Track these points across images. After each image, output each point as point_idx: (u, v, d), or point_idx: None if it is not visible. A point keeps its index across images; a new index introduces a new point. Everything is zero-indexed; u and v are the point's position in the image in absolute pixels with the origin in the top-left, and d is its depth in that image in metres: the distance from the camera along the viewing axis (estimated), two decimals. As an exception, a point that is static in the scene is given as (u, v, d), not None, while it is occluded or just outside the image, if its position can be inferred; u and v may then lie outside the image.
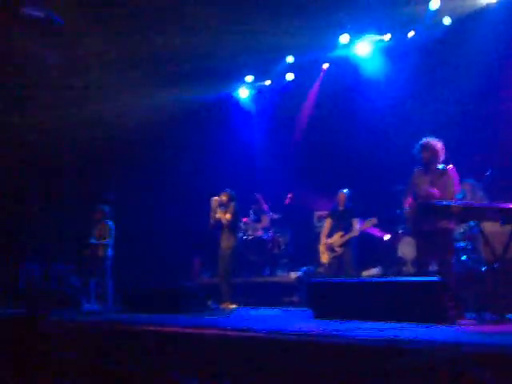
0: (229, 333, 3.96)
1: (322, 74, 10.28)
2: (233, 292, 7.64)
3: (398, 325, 4.40)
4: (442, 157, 5.66)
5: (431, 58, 8.61)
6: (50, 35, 8.63)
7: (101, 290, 8.46)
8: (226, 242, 7.73)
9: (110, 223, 8.65)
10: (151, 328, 4.39)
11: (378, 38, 9.29)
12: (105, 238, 8.52)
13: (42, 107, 9.54)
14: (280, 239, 9.73)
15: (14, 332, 1.83)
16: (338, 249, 7.71)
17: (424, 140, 5.72)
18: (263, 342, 3.60)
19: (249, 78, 10.90)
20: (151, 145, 10.79)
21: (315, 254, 8.27)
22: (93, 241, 8.50)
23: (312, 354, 3.30)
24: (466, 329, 4.34)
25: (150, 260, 9.88)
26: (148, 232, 10.31)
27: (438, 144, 5.68)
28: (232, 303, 7.53)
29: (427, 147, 5.65)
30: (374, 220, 7.56)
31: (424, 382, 0.85)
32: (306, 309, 6.66)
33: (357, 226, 7.61)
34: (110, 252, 8.53)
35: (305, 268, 8.87)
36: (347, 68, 9.78)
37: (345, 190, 7.88)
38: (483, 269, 6.21)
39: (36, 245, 9.81)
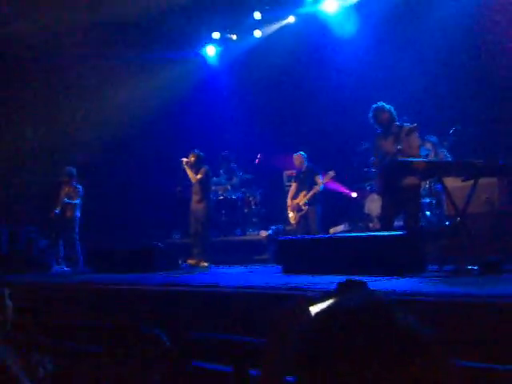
0: (198, 289, 4.03)
1: (289, 30, 10.11)
2: (205, 251, 7.71)
3: (362, 278, 4.53)
4: (394, 116, 5.82)
5: (399, 15, 8.57)
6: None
7: (70, 252, 8.41)
8: (198, 203, 7.73)
9: (78, 185, 8.54)
10: (122, 287, 4.42)
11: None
12: (73, 199, 8.43)
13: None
14: (250, 199, 9.80)
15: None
16: (303, 207, 7.92)
17: (375, 106, 5.83)
18: (231, 296, 3.68)
19: (215, 35, 10.66)
20: (118, 105, 10.55)
21: (285, 212, 8.41)
22: (65, 200, 8.37)
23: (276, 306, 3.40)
24: (427, 280, 4.52)
25: (120, 220, 9.83)
26: (118, 192, 10.21)
27: (387, 106, 5.83)
28: (204, 262, 7.61)
29: (383, 110, 5.77)
30: (332, 172, 7.82)
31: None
32: (275, 265, 6.81)
33: (319, 181, 7.85)
34: (77, 213, 8.45)
35: (274, 226, 9.00)
36: (314, 25, 9.66)
37: (300, 152, 8.09)
38: (446, 223, 6.42)
39: (2, 208, 9.61)
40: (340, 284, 1.59)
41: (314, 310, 1.47)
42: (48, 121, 10.20)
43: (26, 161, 10.18)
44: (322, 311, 1.04)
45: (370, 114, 5.85)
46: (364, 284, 1.60)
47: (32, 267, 8.15)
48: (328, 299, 1.46)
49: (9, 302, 2.49)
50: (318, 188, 7.84)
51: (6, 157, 9.97)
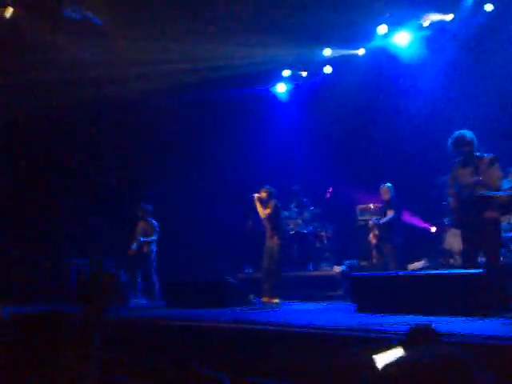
0: (267, 327, 3.98)
1: (359, 65, 10.09)
2: (276, 287, 7.61)
3: (440, 318, 4.30)
4: (476, 146, 5.54)
5: (472, 46, 8.32)
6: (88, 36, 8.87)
7: (147, 286, 8.68)
8: (271, 239, 7.67)
9: (154, 221, 8.85)
10: (191, 323, 4.46)
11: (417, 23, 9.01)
12: (149, 236, 8.74)
13: (76, 103, 9.76)
14: (322, 233, 9.67)
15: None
16: (373, 241, 7.72)
17: (457, 134, 5.56)
18: (302, 337, 3.60)
19: (286, 73, 10.86)
20: (189, 140, 10.91)
21: (358, 247, 8.21)
22: (140, 238, 8.71)
23: (351, 348, 3.28)
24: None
25: (194, 254, 10.02)
26: (191, 227, 10.44)
27: (470, 134, 5.53)
28: (275, 298, 7.50)
29: (463, 141, 5.50)
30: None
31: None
32: (349, 303, 6.62)
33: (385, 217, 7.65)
34: (154, 248, 8.75)
35: (348, 262, 8.78)
36: (385, 59, 9.56)
37: (387, 184, 7.85)
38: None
39: (83, 243, 10.10)
40: (409, 333, 1.50)
41: (381, 360, 1.41)
42: (125, 159, 10.72)
43: (105, 197, 10.67)
44: (390, 364, 0.98)
45: (450, 142, 5.59)
46: (436, 333, 1.50)
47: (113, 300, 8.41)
48: (395, 349, 1.39)
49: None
50: (371, 222, 7.65)
51: (86, 193, 10.52)
